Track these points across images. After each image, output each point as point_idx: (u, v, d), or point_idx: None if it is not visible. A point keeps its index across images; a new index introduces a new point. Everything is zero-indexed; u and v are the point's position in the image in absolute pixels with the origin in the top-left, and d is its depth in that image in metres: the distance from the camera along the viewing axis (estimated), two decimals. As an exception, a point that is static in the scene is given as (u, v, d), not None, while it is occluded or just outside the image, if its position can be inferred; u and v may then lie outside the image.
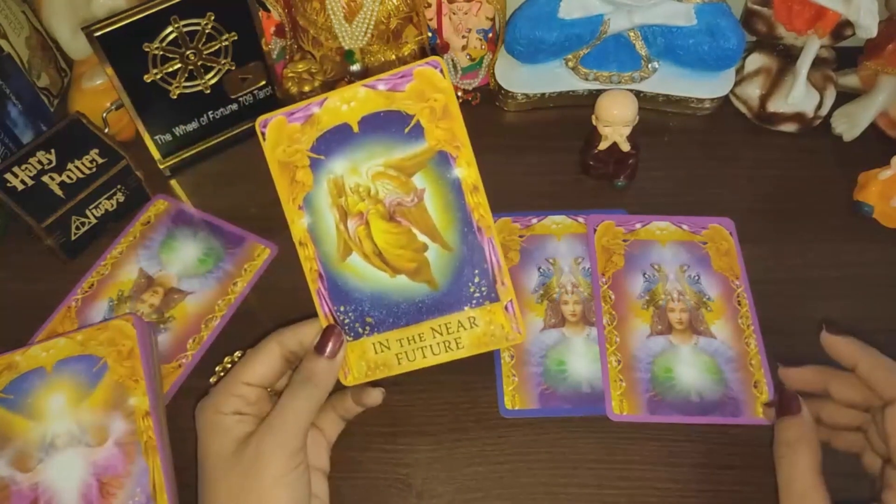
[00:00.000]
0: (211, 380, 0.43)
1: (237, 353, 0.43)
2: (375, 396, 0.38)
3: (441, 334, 0.35)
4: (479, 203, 0.35)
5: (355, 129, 0.34)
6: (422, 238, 0.35)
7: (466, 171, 0.34)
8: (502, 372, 0.43)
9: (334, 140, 0.35)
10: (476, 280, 0.35)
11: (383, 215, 0.35)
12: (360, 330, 0.36)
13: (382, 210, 0.35)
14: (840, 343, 0.37)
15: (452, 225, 0.35)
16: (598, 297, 0.45)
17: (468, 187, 0.34)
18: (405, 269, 0.35)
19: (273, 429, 0.33)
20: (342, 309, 0.35)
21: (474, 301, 0.35)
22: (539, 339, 0.44)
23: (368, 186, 0.35)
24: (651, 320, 0.44)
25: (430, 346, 0.35)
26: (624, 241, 0.47)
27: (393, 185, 0.35)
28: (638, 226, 0.48)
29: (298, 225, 0.35)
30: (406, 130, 0.34)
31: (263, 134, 0.35)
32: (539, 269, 0.46)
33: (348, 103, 0.34)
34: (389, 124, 0.34)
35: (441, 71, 0.34)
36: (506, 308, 0.35)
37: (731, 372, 0.42)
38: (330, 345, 0.34)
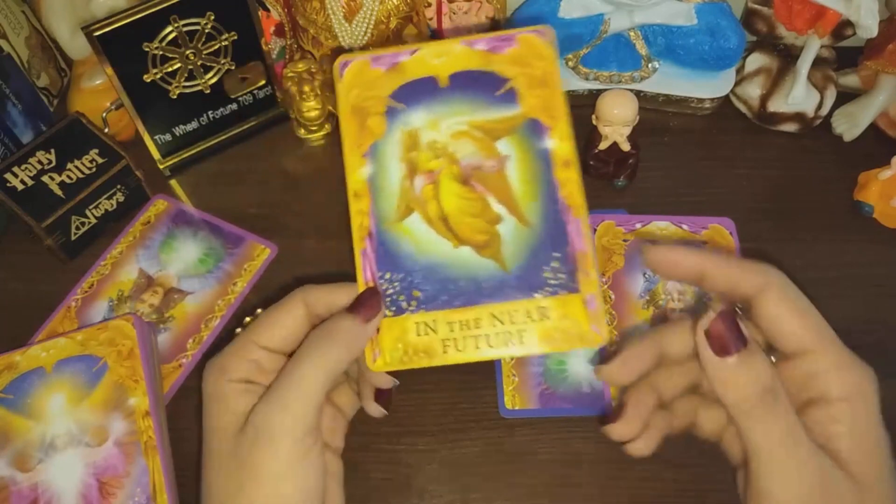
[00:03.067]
0: (237, 330, 0.37)
1: (259, 310, 0.37)
2: (386, 380, 0.31)
3: (502, 323, 0.30)
4: (569, 179, 0.30)
5: (443, 83, 0.32)
6: (497, 208, 0.31)
7: (559, 144, 0.31)
8: (502, 371, 0.42)
9: (417, 91, 0.32)
10: (554, 265, 0.30)
11: (457, 177, 0.31)
12: (405, 305, 0.30)
13: (457, 171, 0.31)
14: (673, 254, 0.29)
15: (535, 199, 0.31)
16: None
17: (559, 160, 0.31)
18: (472, 240, 0.30)
19: (276, 402, 0.27)
20: (388, 276, 0.30)
21: (549, 289, 0.29)
22: None
23: (446, 144, 0.31)
24: (651, 320, 0.44)
25: (488, 335, 0.30)
26: (624, 240, 0.47)
27: (474, 146, 0.31)
28: (638, 226, 0.48)
29: (358, 174, 0.31)
30: (498, 93, 0.32)
31: (342, 74, 0.32)
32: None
33: (440, 57, 0.32)
34: (481, 84, 0.32)
35: (548, 40, 0.32)
36: (586, 301, 0.29)
37: None
38: (366, 307, 0.29)
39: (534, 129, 0.31)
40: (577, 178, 0.30)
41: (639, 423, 0.29)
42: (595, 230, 0.48)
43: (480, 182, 0.31)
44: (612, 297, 0.45)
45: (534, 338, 0.29)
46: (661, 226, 0.48)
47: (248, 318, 0.40)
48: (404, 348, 0.30)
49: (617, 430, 0.29)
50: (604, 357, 0.30)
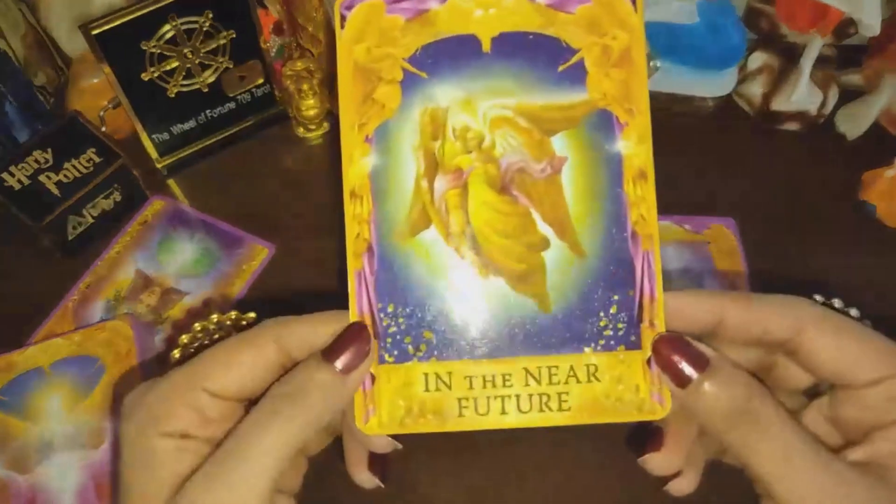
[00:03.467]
0: (173, 355, 0.27)
1: (214, 317, 0.27)
2: (384, 444, 0.25)
3: (539, 382, 0.23)
4: (643, 198, 0.24)
5: (486, 47, 0.24)
6: (544, 229, 0.23)
7: (636, 147, 0.24)
8: None
9: (449, 54, 0.23)
10: (613, 310, 0.23)
11: (493, 181, 0.23)
12: (411, 349, 0.23)
13: (494, 173, 0.23)
14: (680, 300, 0.23)
15: (595, 220, 0.24)
16: None
17: (633, 171, 0.24)
18: (507, 269, 0.23)
19: (221, 484, 0.21)
20: (390, 310, 0.23)
21: (602, 342, 0.23)
22: None
23: (482, 133, 0.24)
24: None
25: (518, 396, 0.23)
26: None
27: (520, 140, 0.24)
28: None
29: (358, 165, 0.23)
30: (561, 68, 0.24)
31: (343, 19, 0.24)
32: None
33: (486, 9, 0.23)
34: (538, 53, 0.24)
35: (634, 2, 0.24)
36: (648, 363, 0.23)
37: None
38: (348, 353, 0.22)
39: (603, 124, 0.24)
40: (652, 198, 0.24)
41: (682, 454, 0.24)
42: None
43: (524, 191, 0.23)
44: None
45: (578, 404, 0.23)
46: (662, 226, 0.48)
47: (184, 337, 0.27)
48: (408, 406, 0.23)
49: (659, 463, 0.24)
50: (647, 439, 0.24)
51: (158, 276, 0.46)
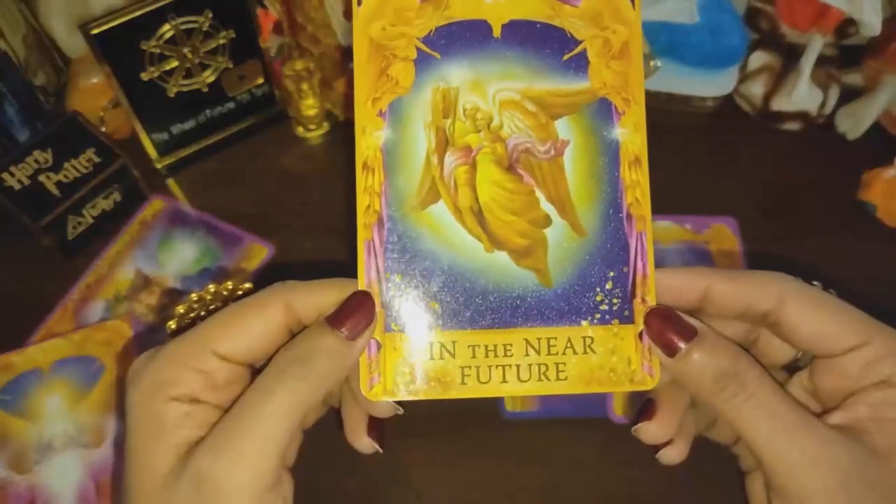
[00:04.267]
0: (169, 325, 0.27)
1: (228, 284, 0.27)
2: (385, 408, 0.25)
3: (538, 353, 0.24)
4: (637, 182, 0.25)
5: (496, 32, 0.25)
6: (546, 207, 0.25)
7: (632, 135, 0.25)
8: None
9: (462, 38, 0.25)
10: (609, 286, 0.25)
11: (501, 160, 0.25)
12: (413, 320, 0.25)
13: (502, 152, 0.25)
14: (668, 278, 0.24)
15: (594, 201, 0.25)
16: None
17: (628, 157, 0.25)
18: (511, 244, 0.25)
19: (230, 449, 0.20)
20: (398, 279, 0.24)
21: (598, 316, 0.25)
22: None
23: (491, 114, 0.25)
24: None
25: (518, 366, 0.24)
26: None
27: (527, 122, 0.25)
28: None
29: (370, 138, 0.24)
30: (565, 57, 0.25)
31: None
32: None
33: None
34: (545, 42, 0.25)
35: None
36: (640, 336, 0.25)
37: None
38: (353, 319, 0.22)
39: (603, 111, 0.25)
40: (645, 183, 0.25)
41: (674, 424, 0.25)
42: None
43: (529, 171, 0.25)
44: None
45: (574, 374, 0.24)
46: (663, 225, 0.48)
47: (180, 307, 0.27)
48: (411, 373, 0.24)
49: (651, 432, 0.25)
50: (641, 409, 0.25)
51: (158, 276, 0.46)
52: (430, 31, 0.25)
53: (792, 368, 0.25)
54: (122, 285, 0.46)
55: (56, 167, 0.46)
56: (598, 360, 0.24)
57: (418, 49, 0.25)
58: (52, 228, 0.45)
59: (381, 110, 0.25)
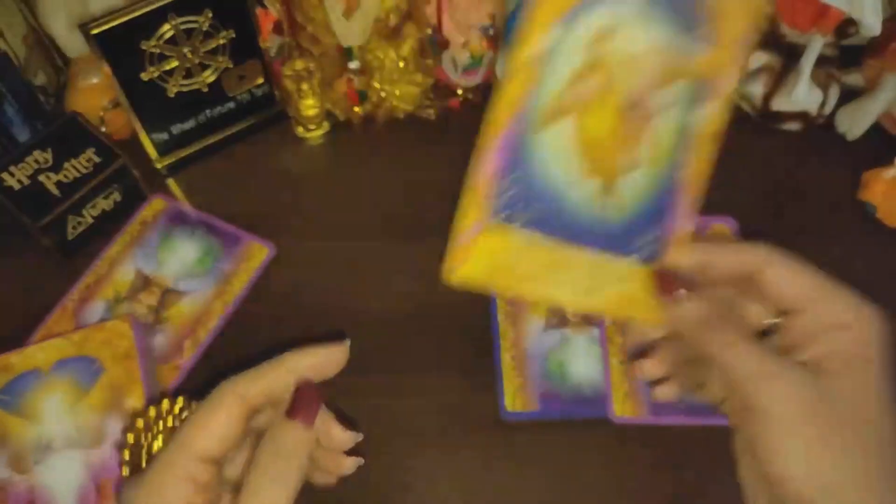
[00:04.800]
0: (124, 455, 0.31)
1: (164, 403, 0.32)
2: (348, 464, 0.29)
3: (591, 276, 0.27)
4: (704, 156, 0.28)
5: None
6: (643, 152, 0.27)
7: (712, 111, 0.27)
8: (503, 374, 0.42)
9: None
10: (657, 233, 0.28)
11: (625, 102, 0.26)
12: (517, 216, 0.26)
13: (622, 98, 0.26)
14: (679, 257, 0.28)
15: (668, 160, 0.28)
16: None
17: (709, 131, 0.27)
18: (607, 176, 0.27)
19: None
20: (513, 176, 0.26)
21: (643, 256, 0.28)
22: (540, 340, 0.43)
23: (636, 59, 0.26)
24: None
25: (574, 280, 0.27)
26: None
27: (650, 78, 0.26)
28: None
29: (536, 41, 0.24)
30: (697, 31, 0.26)
31: None
32: None
33: None
34: (687, 7, 0.26)
35: None
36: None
37: None
38: (304, 411, 0.26)
39: (702, 88, 0.27)
40: (710, 160, 0.28)
41: (667, 364, 0.30)
42: None
43: (633, 119, 0.26)
44: None
45: (614, 297, 0.28)
46: None
47: (130, 436, 0.33)
48: (494, 263, 0.26)
49: (647, 367, 0.30)
50: (641, 351, 0.30)
51: (158, 276, 0.46)
52: None
53: (765, 334, 0.29)
54: (121, 285, 0.46)
55: (56, 167, 0.46)
56: (631, 291, 0.28)
57: None
58: (52, 228, 0.45)
59: (557, 18, 0.24)
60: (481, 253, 0.26)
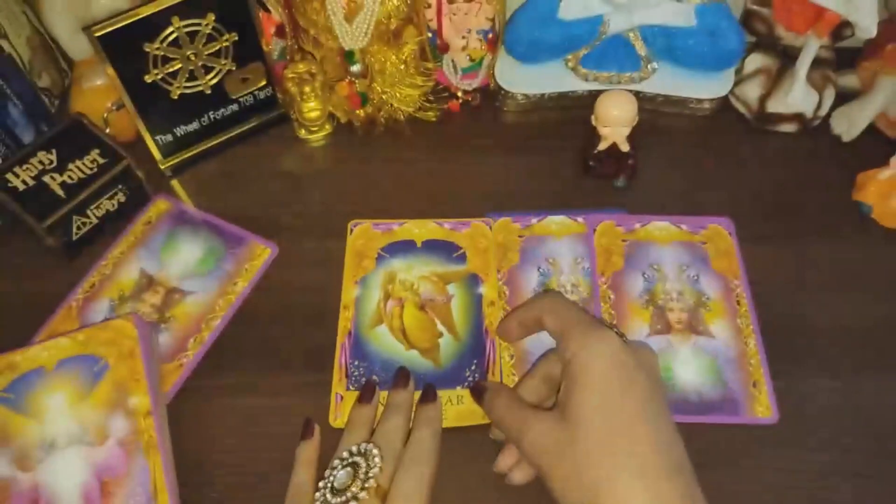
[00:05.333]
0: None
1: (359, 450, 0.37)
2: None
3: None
4: (491, 314, 0.44)
5: (418, 245, 0.47)
6: (440, 328, 0.44)
7: (488, 290, 0.45)
8: (503, 376, 0.43)
9: (400, 248, 0.47)
10: (473, 367, 0.43)
11: (417, 305, 0.45)
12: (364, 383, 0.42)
13: (418, 301, 0.45)
14: (510, 322, 0.42)
15: (467, 324, 0.44)
16: (597, 296, 0.45)
17: (487, 301, 0.45)
18: (420, 346, 0.43)
19: None
20: (356, 363, 0.43)
21: (466, 383, 0.42)
22: (537, 339, 0.44)
23: (413, 282, 0.46)
24: (650, 320, 0.44)
25: (415, 406, 0.40)
26: (623, 241, 0.47)
27: (432, 286, 0.45)
28: (637, 226, 0.48)
29: (350, 293, 0.45)
30: (454, 255, 0.47)
31: (352, 231, 0.48)
32: (539, 269, 0.46)
33: (419, 229, 0.48)
34: (444, 249, 0.47)
35: (492, 226, 0.48)
36: None
37: (730, 371, 0.42)
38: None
39: (473, 280, 0.46)
40: (496, 314, 0.44)
41: (515, 455, 0.38)
42: (594, 230, 0.48)
43: (432, 310, 0.45)
44: (612, 297, 0.45)
45: (451, 415, 0.41)
46: (659, 226, 0.48)
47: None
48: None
49: (503, 461, 0.38)
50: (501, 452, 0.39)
51: (162, 276, 0.47)
52: (385, 245, 0.47)
53: None
54: (125, 285, 0.46)
55: (60, 168, 0.47)
56: (465, 408, 0.41)
57: (379, 253, 0.47)
58: (57, 229, 0.46)
59: (356, 280, 0.46)
60: (349, 408, 0.41)
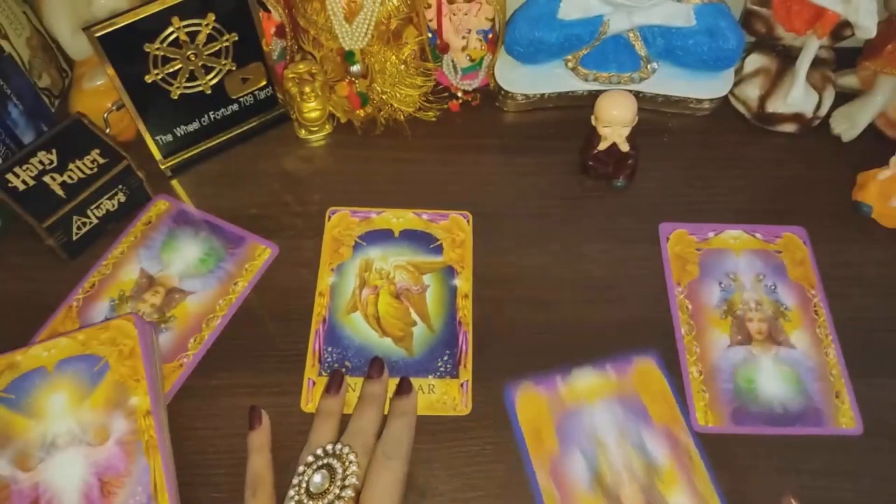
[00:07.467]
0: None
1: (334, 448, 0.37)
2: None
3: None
4: (465, 306, 0.45)
5: (396, 234, 0.47)
6: (414, 317, 0.44)
7: (463, 283, 0.46)
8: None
9: (378, 236, 0.47)
10: (445, 358, 0.43)
11: (392, 293, 0.45)
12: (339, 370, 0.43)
13: (392, 290, 0.45)
14: None
15: (441, 315, 0.44)
16: (674, 306, 0.45)
17: (461, 294, 0.45)
18: (393, 334, 0.44)
19: None
20: (329, 349, 0.43)
21: (438, 373, 0.43)
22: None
23: (389, 271, 0.46)
24: (730, 330, 0.44)
25: (391, 399, 0.41)
26: (697, 249, 0.47)
27: (407, 276, 0.46)
28: (711, 234, 0.48)
29: (325, 281, 0.46)
30: (431, 246, 0.47)
31: (330, 217, 0.48)
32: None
33: (398, 217, 0.48)
34: (421, 240, 0.47)
35: (468, 222, 0.48)
36: (461, 385, 0.42)
37: (812, 382, 0.42)
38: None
39: (449, 272, 0.46)
40: (469, 306, 0.45)
41: None
42: (668, 238, 0.48)
43: (407, 299, 0.45)
44: (690, 307, 0.45)
45: (423, 404, 0.41)
46: (734, 234, 0.48)
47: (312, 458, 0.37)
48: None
49: None
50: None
51: (162, 276, 0.47)
52: (363, 233, 0.48)
53: None
54: (126, 285, 0.46)
55: (61, 168, 0.47)
56: (437, 397, 0.42)
57: (356, 241, 0.47)
58: (57, 229, 0.46)
59: (332, 268, 0.46)
60: (319, 393, 0.41)
